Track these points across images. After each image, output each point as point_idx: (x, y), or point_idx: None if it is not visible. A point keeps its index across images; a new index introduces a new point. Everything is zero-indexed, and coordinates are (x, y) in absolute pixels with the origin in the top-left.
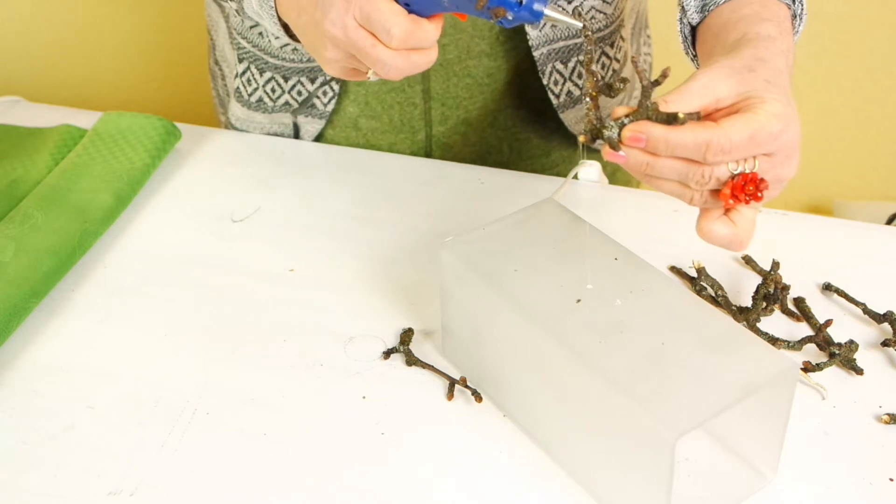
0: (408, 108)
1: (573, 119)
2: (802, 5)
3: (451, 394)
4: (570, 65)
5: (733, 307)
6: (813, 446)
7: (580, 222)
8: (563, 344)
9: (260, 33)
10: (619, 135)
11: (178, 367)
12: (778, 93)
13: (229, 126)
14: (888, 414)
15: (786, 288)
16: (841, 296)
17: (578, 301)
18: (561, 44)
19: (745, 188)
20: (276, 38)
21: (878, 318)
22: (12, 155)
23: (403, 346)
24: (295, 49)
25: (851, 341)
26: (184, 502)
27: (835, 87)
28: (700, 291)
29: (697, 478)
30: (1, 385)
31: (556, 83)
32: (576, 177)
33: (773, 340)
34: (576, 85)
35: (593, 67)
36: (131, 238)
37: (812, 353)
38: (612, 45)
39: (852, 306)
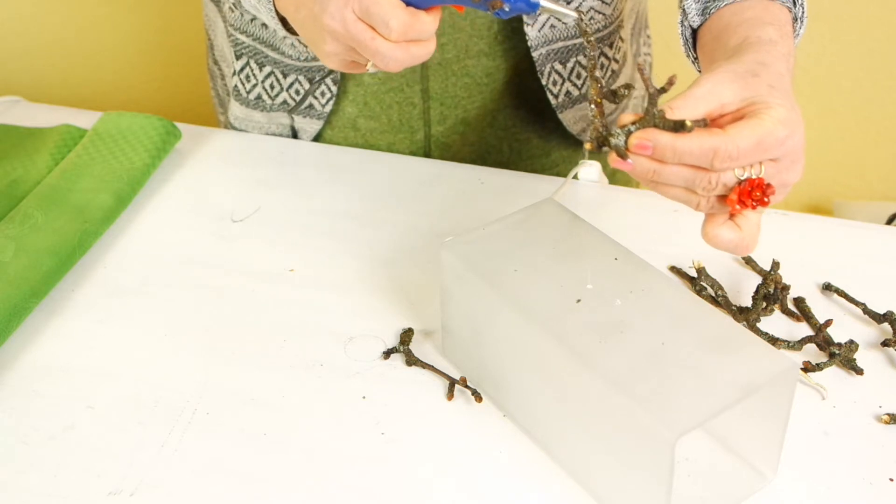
0: (406, 107)
1: (572, 119)
2: (803, 8)
3: (451, 394)
4: (569, 65)
5: (733, 307)
6: (813, 446)
7: (580, 222)
8: (563, 344)
9: (263, 24)
10: (625, 142)
11: (178, 367)
12: (782, 97)
13: (229, 126)
14: (888, 414)
15: (786, 288)
16: (841, 296)
17: (578, 301)
18: (560, 44)
19: (752, 194)
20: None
21: (878, 318)
22: (12, 155)
23: (403, 346)
24: (293, 45)
25: (851, 341)
26: (184, 502)
27: (835, 87)
28: (700, 291)
29: (697, 478)
30: (1, 385)
31: (554, 83)
32: (576, 177)
33: (773, 340)
34: (574, 85)
35: (597, 73)
36: (131, 238)
37: (812, 353)
38: (611, 46)
39: (852, 306)
